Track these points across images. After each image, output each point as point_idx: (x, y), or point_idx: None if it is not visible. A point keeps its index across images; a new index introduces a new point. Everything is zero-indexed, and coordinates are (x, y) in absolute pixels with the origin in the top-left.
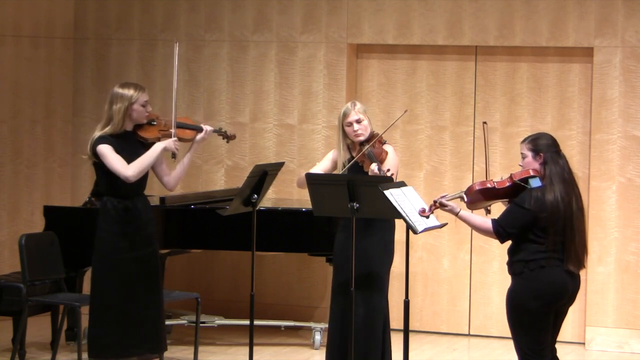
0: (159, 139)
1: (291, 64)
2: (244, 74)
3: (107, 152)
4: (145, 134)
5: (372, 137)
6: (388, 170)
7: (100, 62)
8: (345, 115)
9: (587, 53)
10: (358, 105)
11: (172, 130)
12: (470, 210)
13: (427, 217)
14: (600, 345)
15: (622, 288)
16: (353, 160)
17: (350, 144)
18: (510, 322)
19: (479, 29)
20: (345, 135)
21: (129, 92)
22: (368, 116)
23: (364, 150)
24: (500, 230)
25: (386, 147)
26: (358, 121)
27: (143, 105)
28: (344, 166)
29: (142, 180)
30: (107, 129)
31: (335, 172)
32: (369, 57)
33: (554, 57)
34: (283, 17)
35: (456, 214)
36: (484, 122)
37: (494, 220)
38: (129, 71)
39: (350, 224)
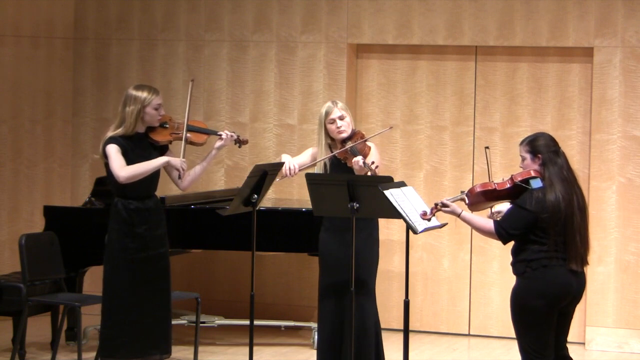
0: (170, 142)
1: (291, 64)
2: (244, 74)
3: (111, 152)
4: (157, 137)
5: (354, 135)
6: (372, 162)
7: (100, 62)
8: (328, 113)
9: (587, 53)
10: (340, 103)
11: (184, 134)
12: (472, 212)
13: (429, 219)
14: (600, 345)
15: (622, 288)
16: (332, 155)
17: (332, 143)
18: (514, 321)
19: (479, 29)
20: (326, 134)
21: (143, 94)
22: (350, 114)
23: (346, 147)
24: (501, 232)
25: (368, 143)
26: (341, 118)
27: (156, 109)
28: (326, 165)
29: (153, 181)
30: (119, 130)
31: (314, 169)
32: (369, 57)
33: (554, 57)
34: (283, 17)
35: (458, 215)
36: (486, 147)
37: (495, 222)
38: (129, 71)
39: (335, 223)
